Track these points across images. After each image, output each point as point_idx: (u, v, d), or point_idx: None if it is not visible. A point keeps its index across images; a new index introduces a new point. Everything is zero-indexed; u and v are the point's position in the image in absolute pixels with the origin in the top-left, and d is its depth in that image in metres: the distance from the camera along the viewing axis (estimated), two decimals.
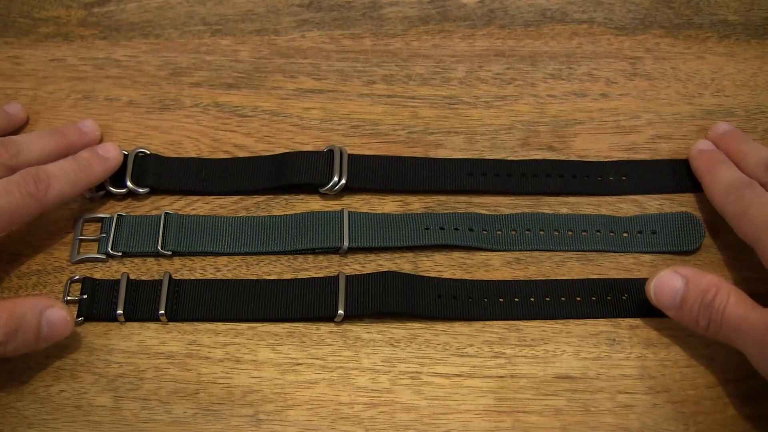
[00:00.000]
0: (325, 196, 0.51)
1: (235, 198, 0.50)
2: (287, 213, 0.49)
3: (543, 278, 0.47)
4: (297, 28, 0.58)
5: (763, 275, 0.47)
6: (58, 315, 0.41)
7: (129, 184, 0.49)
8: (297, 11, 0.59)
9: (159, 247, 0.47)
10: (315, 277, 0.47)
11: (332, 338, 0.45)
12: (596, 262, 0.48)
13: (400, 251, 0.48)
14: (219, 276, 0.47)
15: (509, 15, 0.59)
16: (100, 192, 0.50)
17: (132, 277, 0.46)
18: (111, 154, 0.47)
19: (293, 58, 0.57)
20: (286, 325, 0.45)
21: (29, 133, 0.51)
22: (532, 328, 0.46)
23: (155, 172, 0.50)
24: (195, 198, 0.50)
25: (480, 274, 0.47)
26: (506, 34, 0.58)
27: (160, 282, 0.46)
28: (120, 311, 0.45)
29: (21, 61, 0.56)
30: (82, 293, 0.46)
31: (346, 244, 0.47)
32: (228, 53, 0.57)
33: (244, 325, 0.45)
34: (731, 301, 0.40)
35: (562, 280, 0.47)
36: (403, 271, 0.47)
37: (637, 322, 0.46)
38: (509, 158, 0.52)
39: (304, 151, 0.51)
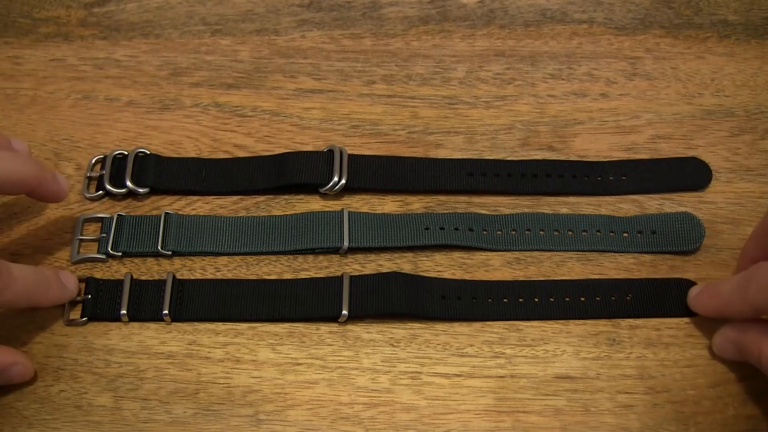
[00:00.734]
0: (325, 196, 0.51)
1: (235, 198, 0.50)
2: (287, 213, 0.49)
3: (543, 278, 0.47)
4: (297, 28, 0.58)
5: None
6: (19, 373, 0.42)
7: (129, 184, 0.49)
8: (297, 11, 0.59)
9: (159, 247, 0.47)
10: (319, 278, 0.47)
11: (332, 338, 0.45)
12: (596, 262, 0.48)
13: (400, 251, 0.48)
14: (219, 276, 0.47)
15: (509, 15, 0.59)
16: (99, 192, 0.50)
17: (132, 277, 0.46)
18: (70, 285, 0.45)
19: (293, 58, 0.57)
20: (286, 325, 0.45)
21: None
22: (532, 328, 0.46)
23: (155, 172, 0.50)
24: (195, 198, 0.50)
25: (480, 274, 0.47)
26: (506, 34, 0.58)
27: (163, 282, 0.46)
28: (124, 311, 0.45)
29: (21, 61, 0.56)
30: (85, 293, 0.46)
31: (346, 244, 0.47)
32: (228, 53, 0.57)
33: (244, 325, 0.45)
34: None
35: (565, 280, 0.47)
36: (406, 272, 0.47)
37: (637, 322, 0.46)
38: (509, 158, 0.52)
39: (304, 151, 0.51)
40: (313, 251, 0.48)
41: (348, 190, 0.50)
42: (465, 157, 0.52)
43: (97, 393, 0.43)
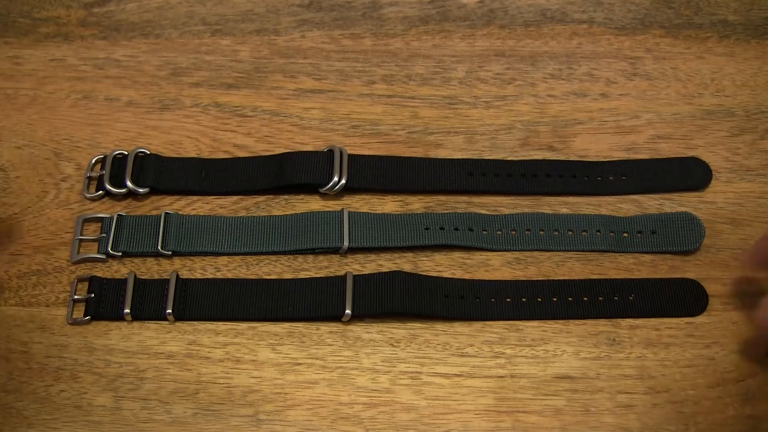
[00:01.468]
0: (325, 196, 0.51)
1: (235, 198, 0.50)
2: (287, 213, 0.49)
3: (543, 278, 0.47)
4: (297, 28, 0.58)
5: (763, 275, 0.47)
6: None
7: (129, 184, 0.49)
8: (297, 11, 0.59)
9: (159, 247, 0.47)
10: (322, 277, 0.47)
11: (332, 338, 0.45)
12: (596, 262, 0.48)
13: (400, 251, 0.48)
14: (219, 276, 0.47)
15: (509, 15, 0.59)
16: (99, 192, 0.50)
17: None
18: None
19: (293, 58, 0.57)
20: (286, 325, 0.45)
21: None
22: (532, 328, 0.46)
23: (155, 172, 0.50)
24: (195, 198, 0.50)
25: (480, 274, 0.47)
26: (506, 34, 0.58)
27: (167, 281, 0.46)
28: (127, 310, 0.45)
29: (21, 61, 0.56)
30: (89, 292, 0.46)
31: (346, 244, 0.47)
32: (228, 53, 0.57)
33: (244, 325, 0.45)
34: None
35: (568, 280, 0.47)
36: (409, 271, 0.47)
37: (637, 322, 0.46)
38: (509, 158, 0.52)
39: (304, 151, 0.51)
40: (313, 251, 0.48)
41: (348, 190, 0.50)
42: (465, 157, 0.52)
43: (97, 393, 0.43)
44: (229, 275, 0.47)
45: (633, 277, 0.47)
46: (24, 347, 0.44)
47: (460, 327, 0.46)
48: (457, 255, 0.48)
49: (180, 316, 0.45)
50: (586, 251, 0.48)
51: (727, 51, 0.57)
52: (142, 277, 0.47)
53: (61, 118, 0.53)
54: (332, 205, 0.50)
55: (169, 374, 0.44)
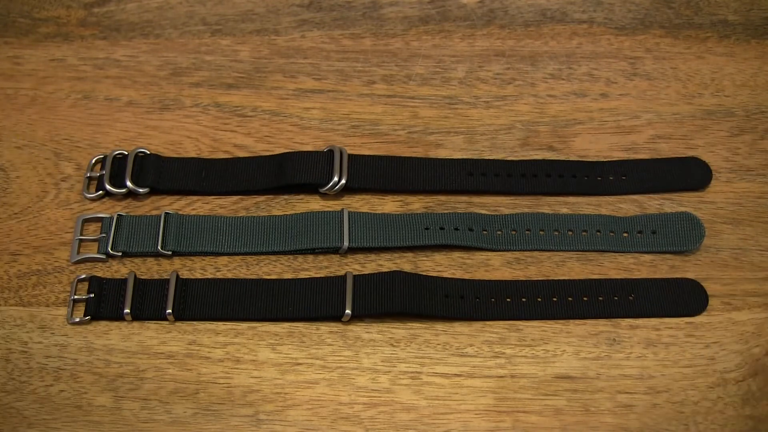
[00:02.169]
0: (325, 196, 0.51)
1: (235, 198, 0.50)
2: (287, 213, 0.49)
3: (543, 278, 0.47)
4: (297, 28, 0.58)
5: (763, 275, 0.47)
6: None
7: (129, 184, 0.49)
8: (297, 11, 0.59)
9: (159, 247, 0.47)
10: (322, 277, 0.47)
11: (332, 338, 0.45)
12: (596, 262, 0.48)
13: (400, 251, 0.48)
14: (219, 276, 0.47)
15: (509, 15, 0.59)
16: (99, 192, 0.50)
17: None
18: None
19: (293, 58, 0.57)
20: (286, 325, 0.45)
21: None
22: (532, 328, 0.46)
23: (155, 172, 0.50)
24: (195, 198, 0.50)
25: (480, 274, 0.47)
26: (506, 34, 0.58)
27: (167, 281, 0.46)
28: (127, 310, 0.45)
29: (21, 61, 0.56)
30: (89, 292, 0.46)
31: (346, 244, 0.47)
32: (228, 53, 0.57)
33: (244, 325, 0.45)
34: None
35: (568, 280, 0.47)
36: (409, 271, 0.47)
37: (637, 322, 0.46)
38: (509, 158, 0.52)
39: (304, 151, 0.51)
40: (313, 251, 0.48)
41: (348, 190, 0.50)
42: (465, 157, 0.52)
43: (97, 393, 0.43)
44: (229, 275, 0.47)
45: (633, 277, 0.47)
46: (24, 347, 0.44)
47: (460, 327, 0.46)
48: (457, 255, 0.48)
49: (180, 316, 0.45)
50: (586, 251, 0.49)
51: (727, 51, 0.57)
52: (142, 277, 0.47)
53: (61, 118, 0.53)
54: (332, 205, 0.50)
55: (169, 374, 0.44)
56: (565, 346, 0.45)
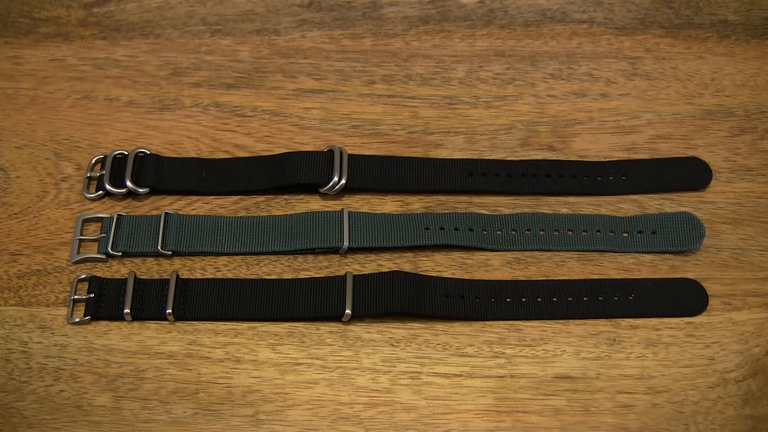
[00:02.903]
0: (325, 196, 0.51)
1: (235, 198, 0.50)
2: (287, 213, 0.49)
3: (543, 278, 0.47)
4: (297, 28, 0.58)
5: (763, 275, 0.47)
6: None
7: (129, 184, 0.49)
8: (297, 11, 0.59)
9: (159, 247, 0.47)
10: (323, 277, 0.47)
11: (332, 338, 0.45)
12: (596, 262, 0.48)
13: (400, 251, 0.48)
14: (219, 276, 0.47)
15: (509, 15, 0.59)
16: (99, 192, 0.50)
17: None
18: None
19: (293, 58, 0.57)
20: (286, 325, 0.45)
21: None
22: (532, 328, 0.46)
23: (155, 172, 0.50)
24: (195, 198, 0.50)
25: (480, 274, 0.47)
26: (506, 34, 0.58)
27: (167, 281, 0.46)
28: (127, 310, 0.45)
29: (21, 61, 0.56)
30: (89, 292, 0.46)
31: (346, 244, 0.47)
32: (228, 53, 0.57)
33: (244, 325, 0.45)
34: None
35: (568, 280, 0.47)
36: (408, 271, 0.47)
37: (637, 322, 0.46)
38: (509, 158, 0.52)
39: (304, 151, 0.51)
40: (313, 251, 0.48)
41: (348, 190, 0.50)
42: (465, 157, 0.52)
43: (97, 393, 0.43)
44: (229, 275, 0.47)
45: (633, 277, 0.47)
46: (24, 347, 0.44)
47: (460, 327, 0.46)
48: (457, 255, 0.48)
49: (180, 316, 0.45)
50: (586, 251, 0.48)
51: (727, 51, 0.57)
52: (142, 277, 0.47)
53: (61, 118, 0.53)
54: (332, 205, 0.50)
55: (169, 374, 0.44)
56: (565, 346, 0.45)
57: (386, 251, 0.48)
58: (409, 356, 0.44)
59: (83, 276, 0.46)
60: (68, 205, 0.50)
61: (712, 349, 0.45)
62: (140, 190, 0.50)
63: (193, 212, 0.50)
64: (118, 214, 0.48)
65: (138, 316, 0.45)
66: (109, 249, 0.47)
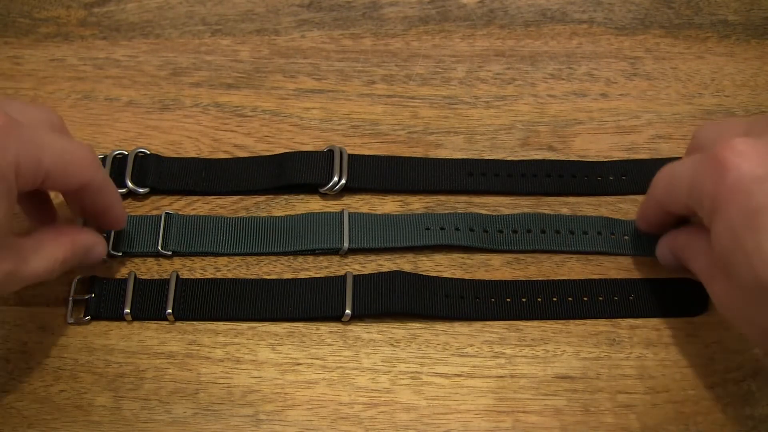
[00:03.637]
0: (325, 196, 0.51)
1: (235, 198, 0.50)
2: (287, 213, 0.49)
3: (543, 278, 0.47)
4: (297, 28, 0.58)
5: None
6: (99, 253, 0.44)
7: (129, 184, 0.49)
8: (297, 11, 0.59)
9: (159, 248, 0.47)
10: (323, 277, 0.47)
11: (332, 338, 0.45)
12: (596, 262, 0.48)
13: (400, 251, 0.48)
14: (219, 276, 0.47)
15: (509, 15, 0.59)
16: None
17: None
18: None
19: (293, 58, 0.57)
20: (286, 325, 0.45)
21: None
22: (532, 328, 0.46)
23: (155, 172, 0.50)
24: (195, 198, 0.50)
25: (480, 274, 0.47)
26: (506, 34, 0.58)
27: (167, 281, 0.46)
28: (127, 310, 0.45)
29: (21, 61, 0.56)
30: (89, 292, 0.46)
31: (346, 245, 0.47)
32: (228, 53, 0.57)
33: (244, 325, 0.45)
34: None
35: (568, 280, 0.47)
36: (409, 271, 0.47)
37: (637, 322, 0.46)
38: (509, 158, 0.52)
39: (304, 151, 0.51)
40: (313, 252, 0.48)
41: (348, 190, 0.50)
42: (465, 157, 0.52)
43: (97, 393, 0.43)
44: (229, 275, 0.47)
45: (633, 277, 0.47)
46: (24, 347, 0.44)
47: (460, 327, 0.46)
48: (457, 255, 0.48)
49: (180, 316, 0.45)
50: (586, 252, 0.48)
51: (727, 51, 0.57)
52: (142, 277, 0.47)
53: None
54: (332, 205, 0.50)
55: (169, 374, 0.44)
56: (565, 346, 0.45)
57: (386, 252, 0.48)
58: (409, 356, 0.44)
59: (83, 276, 0.46)
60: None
61: (712, 349, 0.45)
62: (140, 190, 0.50)
63: (194, 212, 0.50)
64: None
65: (138, 316, 0.45)
66: (109, 249, 0.47)
